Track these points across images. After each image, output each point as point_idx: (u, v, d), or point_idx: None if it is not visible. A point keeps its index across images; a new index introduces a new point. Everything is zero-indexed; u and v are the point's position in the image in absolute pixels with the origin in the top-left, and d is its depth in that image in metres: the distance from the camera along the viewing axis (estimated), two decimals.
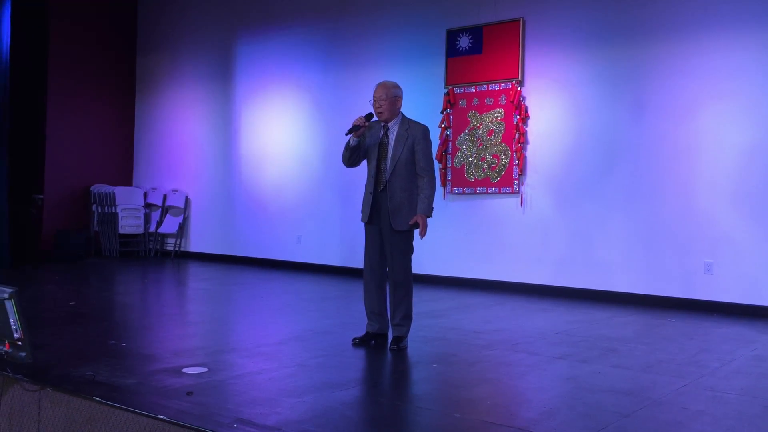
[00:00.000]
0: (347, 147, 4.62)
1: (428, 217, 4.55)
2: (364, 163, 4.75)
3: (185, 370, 3.76)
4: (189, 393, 3.30)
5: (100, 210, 10.58)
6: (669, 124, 6.83)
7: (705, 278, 6.57)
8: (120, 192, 10.69)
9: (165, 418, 2.86)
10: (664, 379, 3.94)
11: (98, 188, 10.72)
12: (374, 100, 4.59)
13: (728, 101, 6.54)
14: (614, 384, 3.79)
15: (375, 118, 4.64)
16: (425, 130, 4.63)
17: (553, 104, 7.54)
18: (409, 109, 4.98)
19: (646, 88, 6.98)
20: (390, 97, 4.56)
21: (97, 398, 3.10)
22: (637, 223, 6.98)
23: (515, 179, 7.67)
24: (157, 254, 10.87)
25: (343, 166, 4.82)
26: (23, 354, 3.34)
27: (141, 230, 10.78)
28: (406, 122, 4.63)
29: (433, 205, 4.60)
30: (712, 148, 6.59)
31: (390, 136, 4.60)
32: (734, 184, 6.48)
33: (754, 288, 6.36)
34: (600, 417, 3.18)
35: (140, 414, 2.92)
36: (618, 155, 7.12)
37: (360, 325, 4.86)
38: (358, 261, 5.43)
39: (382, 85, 4.61)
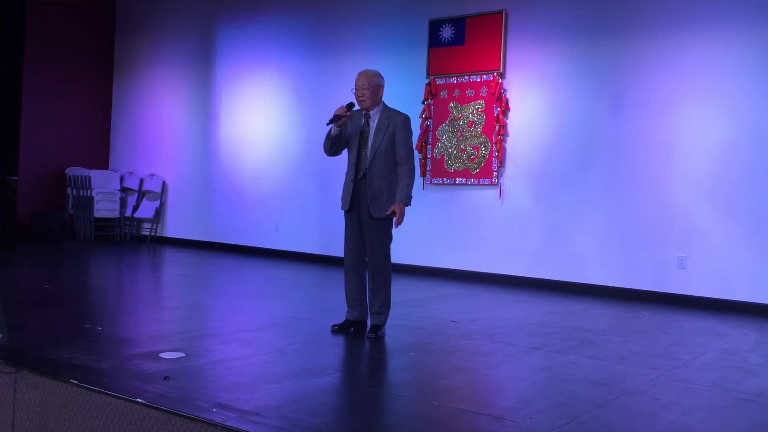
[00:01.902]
0: (328, 136, 4.63)
1: (407, 206, 4.56)
2: (345, 151, 4.75)
3: (162, 355, 3.75)
4: (166, 378, 3.29)
5: (75, 193, 10.45)
6: (647, 120, 6.91)
7: (678, 272, 6.68)
8: (96, 175, 10.56)
9: (143, 401, 2.86)
10: (638, 370, 4.01)
11: (74, 171, 10.59)
12: (356, 89, 4.60)
13: (706, 98, 6.63)
14: (588, 374, 3.85)
15: (356, 108, 4.65)
16: (406, 119, 4.64)
17: (534, 97, 7.59)
18: (391, 98, 4.98)
19: (626, 83, 7.05)
20: (372, 85, 4.57)
21: (74, 381, 3.08)
22: (613, 216, 7.06)
23: (494, 171, 7.72)
24: (133, 239, 10.78)
25: (324, 154, 4.82)
26: None
27: (117, 214, 10.68)
28: (387, 111, 4.64)
29: (412, 194, 4.61)
30: (688, 144, 6.68)
31: (371, 124, 4.61)
32: (710, 180, 6.58)
33: (726, 283, 6.48)
34: (574, 406, 3.23)
35: (118, 397, 2.91)
36: (596, 149, 7.19)
37: (338, 313, 4.87)
38: (336, 249, 5.45)
39: (365, 74, 4.61)
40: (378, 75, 4.64)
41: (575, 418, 3.05)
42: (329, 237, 8.71)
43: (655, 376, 3.87)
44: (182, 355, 3.79)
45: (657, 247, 6.83)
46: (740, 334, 5.31)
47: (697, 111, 6.66)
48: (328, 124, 4.59)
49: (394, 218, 4.55)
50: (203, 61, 10.36)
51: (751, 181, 6.33)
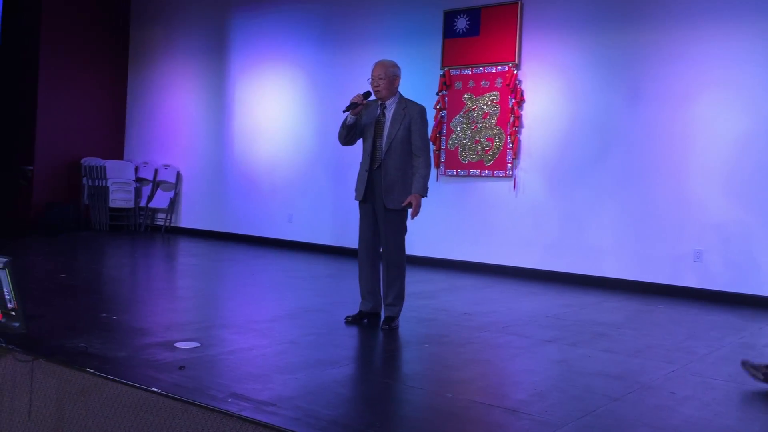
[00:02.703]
0: (344, 125, 4.62)
1: (423, 197, 4.55)
2: (360, 141, 4.74)
3: (177, 345, 3.77)
4: (181, 367, 3.30)
5: (90, 183, 10.51)
6: (663, 112, 6.84)
7: (695, 266, 6.62)
8: (111, 165, 10.61)
9: (159, 390, 2.87)
10: (653, 364, 3.98)
11: (89, 161, 10.64)
12: (372, 79, 4.58)
13: (723, 90, 6.55)
14: (604, 368, 3.82)
15: (372, 97, 4.63)
16: (422, 110, 4.62)
17: (549, 88, 7.53)
18: (405, 89, 4.96)
19: (642, 74, 6.98)
20: (389, 75, 4.55)
21: (91, 370, 3.10)
22: (629, 209, 7.01)
23: (509, 162, 7.68)
24: (147, 229, 10.83)
25: (337, 144, 4.82)
26: (17, 324, 3.33)
27: (131, 204, 10.73)
28: (403, 101, 4.62)
29: (428, 186, 4.60)
30: (705, 137, 6.62)
31: (387, 115, 4.59)
32: (726, 173, 6.52)
33: (742, 276, 6.42)
34: (590, 400, 3.21)
35: (134, 386, 2.92)
36: (611, 141, 7.14)
37: (351, 304, 4.87)
38: (349, 240, 5.44)
39: (381, 64, 4.60)
40: (395, 65, 4.62)
41: (590, 411, 3.04)
42: (343, 228, 8.71)
43: (672, 370, 3.84)
44: (197, 344, 3.80)
45: (673, 240, 6.77)
46: (757, 328, 5.27)
47: (714, 103, 6.59)
48: (344, 112, 4.58)
49: (410, 210, 4.54)
50: (217, 52, 10.36)
51: None
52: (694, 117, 6.69)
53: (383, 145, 4.54)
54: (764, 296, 6.25)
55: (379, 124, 4.59)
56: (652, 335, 4.80)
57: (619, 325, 5.08)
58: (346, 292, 5.69)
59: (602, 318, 5.35)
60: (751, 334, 5.03)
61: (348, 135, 4.65)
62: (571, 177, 7.37)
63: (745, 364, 3.61)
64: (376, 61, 4.68)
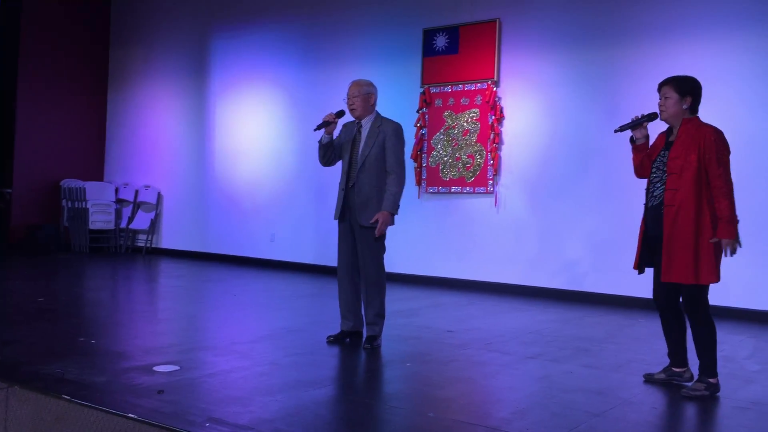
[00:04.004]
0: (320, 144, 4.64)
1: (394, 215, 4.54)
2: (340, 161, 4.75)
3: (156, 368, 3.72)
4: (160, 391, 3.26)
5: (70, 205, 10.43)
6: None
7: None
8: (91, 187, 10.54)
9: (136, 417, 2.83)
10: (634, 378, 3.99)
11: (68, 183, 10.56)
12: (348, 98, 4.61)
13: (700, 105, 6.62)
14: (585, 383, 3.83)
15: (347, 115, 4.66)
16: (397, 128, 4.63)
17: (528, 105, 7.59)
18: (385, 107, 4.98)
19: (619, 90, 7.05)
20: (363, 94, 4.58)
21: (66, 396, 3.05)
22: (609, 224, 7.05)
23: (489, 179, 7.71)
24: (128, 250, 10.74)
25: (318, 164, 4.82)
26: None
27: (112, 226, 10.65)
28: (379, 119, 4.64)
29: (404, 204, 4.60)
30: None
31: (362, 133, 4.61)
32: None
33: (722, 289, 6.42)
34: (571, 416, 3.21)
35: (110, 413, 2.88)
36: (591, 157, 7.19)
37: (333, 324, 4.85)
38: (332, 259, 5.42)
39: (356, 83, 4.63)
40: (369, 84, 4.65)
41: (572, 428, 3.03)
42: (325, 247, 8.69)
43: (653, 385, 3.85)
44: (176, 368, 3.76)
45: None
46: (737, 341, 5.30)
47: None
48: (315, 130, 4.61)
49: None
50: (198, 72, 10.36)
51: (745, 187, 6.31)
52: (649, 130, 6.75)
53: (357, 163, 4.56)
54: (744, 308, 6.29)
55: (354, 142, 4.61)
56: (633, 350, 4.82)
57: (600, 340, 5.10)
58: (328, 311, 5.66)
59: (584, 333, 5.36)
60: (731, 347, 5.05)
61: (325, 155, 4.66)
62: (551, 192, 7.41)
63: (685, 394, 3.64)
64: (356, 79, 4.73)
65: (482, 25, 7.84)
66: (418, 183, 8.13)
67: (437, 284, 7.94)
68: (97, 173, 11.26)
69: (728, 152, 3.73)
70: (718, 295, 6.46)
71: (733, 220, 3.62)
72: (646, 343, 5.08)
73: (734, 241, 3.62)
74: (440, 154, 8.06)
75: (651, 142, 4.09)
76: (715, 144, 3.66)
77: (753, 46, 6.39)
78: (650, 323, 5.97)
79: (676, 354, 3.91)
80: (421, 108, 8.19)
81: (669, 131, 3.94)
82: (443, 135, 8.04)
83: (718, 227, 3.62)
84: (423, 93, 8.18)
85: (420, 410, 3.32)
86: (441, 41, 8.11)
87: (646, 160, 4.02)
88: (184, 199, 10.42)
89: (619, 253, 6.99)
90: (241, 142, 9.84)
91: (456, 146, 7.95)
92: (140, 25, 11.07)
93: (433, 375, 4.03)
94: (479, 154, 7.79)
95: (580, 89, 7.28)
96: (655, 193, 3.87)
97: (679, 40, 6.75)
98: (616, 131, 4.10)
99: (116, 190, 10.90)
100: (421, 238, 8.08)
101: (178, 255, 10.33)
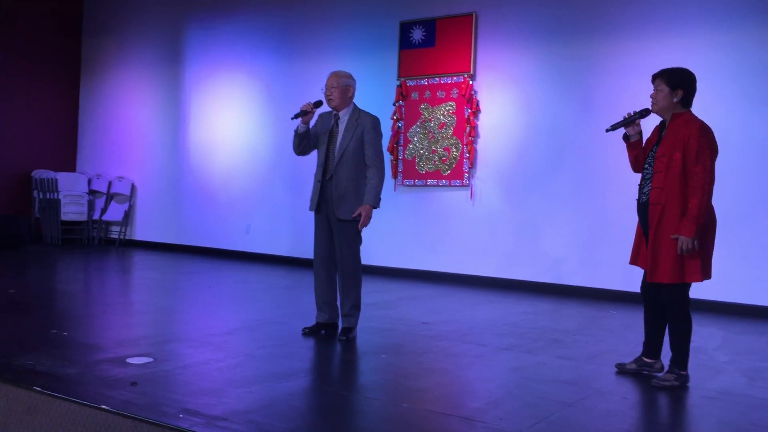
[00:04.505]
0: (296, 133, 4.62)
1: (375, 208, 4.55)
2: (315, 151, 4.74)
3: (129, 360, 3.70)
4: (133, 383, 3.24)
5: (41, 196, 10.28)
6: (614, 121, 6.95)
7: None
8: (63, 178, 10.40)
9: (108, 408, 2.81)
10: (606, 369, 4.04)
11: (40, 174, 10.41)
12: (326, 88, 4.60)
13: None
14: (558, 374, 3.87)
15: (325, 106, 4.65)
16: (375, 121, 4.63)
17: (504, 99, 7.63)
18: (362, 100, 4.98)
19: (594, 85, 7.12)
20: (341, 85, 4.57)
21: (38, 388, 3.02)
22: (583, 217, 7.13)
23: (465, 172, 7.75)
24: (101, 242, 10.63)
25: (294, 155, 4.80)
26: None
27: (84, 217, 10.52)
28: (357, 112, 4.63)
29: (381, 197, 4.61)
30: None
31: (340, 125, 4.60)
32: None
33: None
34: (544, 406, 3.25)
35: (83, 404, 2.86)
36: (565, 150, 7.25)
37: (309, 316, 4.85)
38: (307, 251, 5.41)
39: (335, 74, 4.62)
40: (348, 76, 4.64)
41: (544, 418, 3.07)
42: (300, 239, 8.67)
43: (624, 375, 3.90)
44: (150, 360, 3.74)
45: (625, 247, 6.86)
46: (707, 333, 5.38)
47: None
48: (293, 118, 4.59)
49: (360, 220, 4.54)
50: (172, 63, 10.25)
51: (717, 181, 6.41)
52: (644, 125, 6.82)
53: (335, 155, 4.55)
54: (714, 301, 6.39)
55: (332, 134, 4.60)
56: (605, 341, 4.88)
57: (573, 332, 5.15)
58: (304, 303, 5.66)
59: (558, 325, 5.41)
60: (701, 338, 5.13)
61: (300, 144, 4.64)
62: (526, 186, 7.46)
63: (655, 384, 3.70)
64: (333, 71, 4.71)
65: (459, 19, 7.86)
66: (395, 176, 8.14)
67: (413, 276, 7.96)
68: (69, 164, 11.12)
69: (713, 151, 3.66)
70: (694, 289, 6.56)
71: (698, 220, 3.57)
72: (619, 335, 5.15)
73: (691, 240, 3.58)
74: (416, 146, 8.07)
75: (645, 137, 4.06)
76: (698, 141, 3.61)
77: (726, 41, 6.48)
78: (622, 315, 6.06)
79: (651, 344, 3.95)
80: (397, 101, 8.19)
81: (662, 125, 3.89)
82: (419, 128, 8.06)
83: (682, 223, 3.60)
84: (399, 86, 8.18)
85: (395, 401, 3.33)
86: (418, 34, 8.11)
87: (640, 155, 3.97)
88: (159, 190, 10.32)
89: (592, 246, 7.08)
90: (217, 133, 9.77)
91: (432, 139, 7.97)
92: (114, 14, 10.92)
93: (407, 366, 4.04)
94: (455, 147, 7.82)
95: (555, 83, 7.34)
96: (644, 190, 3.86)
97: (654, 36, 6.83)
98: (607, 130, 4.07)
99: (89, 181, 10.77)
100: (397, 230, 8.10)
101: (152, 247, 10.25)
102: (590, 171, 7.10)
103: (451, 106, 7.86)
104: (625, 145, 4.14)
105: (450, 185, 7.86)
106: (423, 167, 8.02)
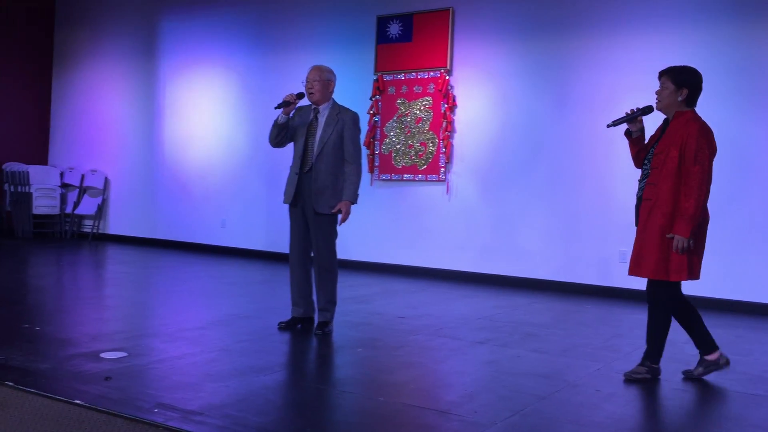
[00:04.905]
0: (275, 124, 4.59)
1: (353, 204, 4.56)
2: (291, 145, 4.73)
3: (103, 355, 3.67)
4: (107, 378, 3.22)
5: (12, 189, 10.12)
6: (589, 117, 7.05)
7: (620, 266, 6.83)
8: (34, 171, 10.26)
9: (81, 403, 2.79)
10: (580, 362, 4.09)
11: (11, 166, 10.25)
12: (307, 82, 4.59)
13: (645, 95, 6.75)
14: (533, 368, 3.91)
15: (306, 100, 4.64)
16: (355, 117, 4.64)
17: (480, 94, 7.66)
18: (339, 94, 4.97)
19: (569, 80, 7.18)
20: (323, 79, 4.56)
21: (10, 383, 2.98)
22: (558, 212, 7.19)
23: (442, 167, 7.77)
24: (74, 236, 10.51)
25: (271, 148, 4.80)
26: None
27: (57, 211, 10.38)
28: (337, 107, 4.63)
29: (359, 192, 4.61)
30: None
31: (320, 119, 4.59)
32: None
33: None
34: (518, 399, 3.28)
35: (55, 399, 2.83)
36: (541, 146, 7.31)
37: (284, 310, 4.84)
38: (283, 245, 5.40)
39: (317, 68, 4.61)
40: (330, 71, 4.64)
41: (519, 411, 3.10)
42: (276, 233, 8.64)
43: (597, 368, 3.95)
44: (124, 354, 3.71)
45: (599, 241, 6.98)
46: (677, 326, 5.43)
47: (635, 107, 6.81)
48: (276, 108, 4.57)
49: (339, 215, 4.55)
50: (147, 55, 10.15)
51: None
52: (650, 123, 6.89)
53: (315, 148, 4.54)
54: (685, 295, 6.48)
55: (311, 127, 4.59)
56: (579, 335, 4.94)
57: (548, 326, 5.21)
58: (280, 297, 5.65)
59: (532, 319, 5.46)
60: (672, 332, 5.20)
61: (278, 135, 4.62)
62: (502, 181, 7.51)
63: (627, 376, 3.72)
64: (309, 65, 4.72)
65: (436, 14, 7.87)
66: (371, 170, 8.15)
67: (389, 271, 7.98)
68: (41, 157, 10.96)
69: (711, 151, 3.64)
70: None
71: (694, 220, 3.55)
72: (592, 329, 5.21)
73: (687, 240, 3.56)
74: (393, 141, 8.08)
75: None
76: (697, 141, 3.58)
77: (699, 39, 6.57)
78: (596, 309, 6.13)
79: (703, 342, 3.85)
80: (374, 95, 8.19)
81: (665, 123, 3.86)
82: (396, 122, 8.07)
83: (677, 222, 3.58)
84: (376, 80, 8.18)
85: (370, 395, 3.34)
86: (395, 29, 8.11)
87: (642, 151, 3.94)
88: (133, 184, 10.22)
89: (566, 240, 7.15)
90: (192, 126, 9.69)
91: (409, 134, 7.98)
92: (87, 6, 10.77)
93: (383, 360, 4.06)
94: (432, 142, 7.84)
95: (531, 79, 7.38)
96: (640, 186, 3.84)
97: (629, 32, 6.90)
98: (609, 126, 4.02)
99: (61, 175, 10.63)
100: (373, 225, 8.11)
101: (126, 241, 10.15)
102: (565, 166, 7.16)
103: (428, 101, 7.88)
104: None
105: (426, 180, 7.88)
106: (399, 162, 8.03)
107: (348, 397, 3.32)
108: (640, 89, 6.79)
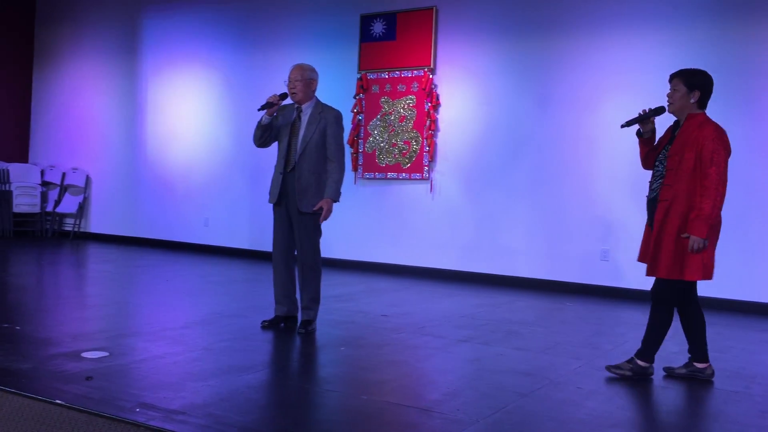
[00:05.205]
0: (259, 125, 4.59)
1: (335, 202, 4.56)
2: (275, 144, 4.72)
3: (84, 355, 3.64)
4: (88, 378, 3.20)
5: None
6: (571, 116, 7.10)
7: (601, 264, 6.89)
8: (15, 169, 10.16)
9: (62, 403, 2.77)
10: (561, 360, 4.12)
11: None
12: (289, 81, 4.58)
13: (625, 94, 6.85)
14: (515, 365, 3.93)
15: (289, 100, 4.63)
16: (338, 116, 4.63)
17: (464, 93, 7.69)
18: (322, 93, 4.97)
19: (552, 80, 7.22)
20: (305, 79, 4.55)
21: None
22: (540, 210, 7.23)
23: (425, 166, 7.79)
24: (55, 235, 10.42)
25: (254, 147, 4.77)
26: None
27: (37, 209, 10.29)
28: (319, 106, 4.63)
29: (342, 190, 4.61)
30: (610, 140, 6.89)
31: (303, 118, 4.59)
32: (630, 174, 6.80)
33: (644, 273, 6.71)
34: (500, 397, 3.30)
35: (36, 399, 2.81)
36: (523, 144, 7.35)
37: (268, 309, 4.83)
38: (267, 244, 5.40)
39: (299, 67, 4.60)
40: (312, 69, 4.63)
41: (501, 408, 3.12)
42: (260, 232, 8.62)
43: (578, 366, 3.98)
44: (106, 354, 3.69)
45: (581, 239, 7.03)
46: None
47: (618, 107, 6.86)
48: (259, 110, 4.56)
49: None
50: (129, 52, 10.07)
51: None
52: (599, 121, 6.97)
53: (298, 148, 4.54)
54: None
55: (294, 126, 4.59)
56: (561, 332, 4.97)
57: (530, 324, 5.24)
58: (263, 296, 5.64)
59: (515, 317, 5.49)
60: None
61: (263, 136, 4.62)
62: (485, 179, 7.54)
63: (609, 368, 3.77)
64: (293, 64, 4.70)
65: (419, 12, 7.88)
66: (355, 169, 8.15)
67: (373, 269, 7.99)
68: (21, 155, 10.85)
69: (727, 153, 3.65)
70: (641, 280, 6.72)
71: (710, 220, 3.56)
72: (573, 326, 5.25)
73: (703, 240, 3.57)
74: (377, 140, 8.09)
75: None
76: (713, 143, 3.60)
77: (674, 40, 6.63)
78: (578, 307, 6.17)
79: (700, 351, 3.84)
80: (358, 94, 8.19)
81: (675, 125, 3.87)
82: (380, 121, 8.07)
83: (693, 223, 3.58)
84: (360, 79, 8.18)
85: (354, 393, 3.35)
86: (378, 27, 8.11)
87: (652, 152, 3.93)
88: (114, 182, 10.15)
89: (548, 238, 7.19)
90: (175, 124, 9.64)
91: (392, 132, 7.99)
92: (68, 2, 10.67)
93: (367, 359, 4.07)
94: (415, 141, 7.85)
95: (514, 78, 7.42)
96: (653, 186, 3.84)
97: (606, 34, 6.95)
98: (622, 126, 3.99)
99: (42, 173, 10.53)
100: (357, 223, 8.11)
101: (108, 240, 10.08)
102: (548, 165, 7.21)
103: (412, 99, 7.89)
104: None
105: (410, 179, 7.90)
106: (383, 160, 8.04)
107: (331, 395, 3.32)
108: (622, 89, 6.87)
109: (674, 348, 4.61)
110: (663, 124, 4.04)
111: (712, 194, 3.56)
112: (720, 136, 3.66)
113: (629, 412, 3.18)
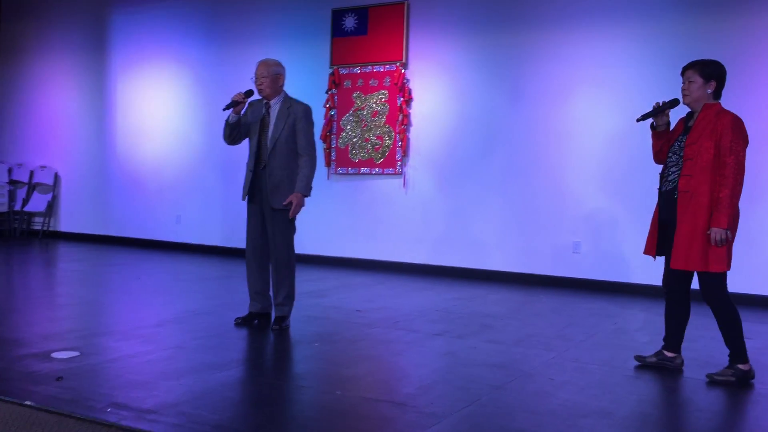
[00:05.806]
0: (227, 123, 4.56)
1: (306, 197, 4.54)
2: (247, 140, 4.69)
3: (54, 355, 3.60)
4: (59, 378, 3.16)
5: None
6: (543, 110, 7.15)
7: (573, 257, 6.97)
8: None
9: (32, 404, 2.73)
10: (534, 352, 4.16)
11: None
12: (255, 77, 4.55)
13: (597, 89, 6.92)
14: (488, 358, 3.96)
15: (256, 96, 4.60)
16: (307, 109, 4.61)
17: (436, 87, 7.70)
18: (294, 88, 4.95)
19: (523, 74, 7.26)
20: (271, 74, 4.53)
21: None
22: (512, 204, 7.28)
23: (398, 160, 7.80)
24: (23, 234, 10.25)
25: (225, 143, 4.74)
26: None
27: (5, 209, 10.11)
28: (288, 101, 4.61)
29: (314, 185, 4.60)
30: (581, 134, 6.97)
31: (271, 114, 4.56)
32: (601, 167, 6.89)
33: (616, 266, 6.81)
34: (474, 389, 3.32)
35: (5, 401, 2.77)
36: (495, 138, 7.39)
37: (242, 306, 4.81)
38: (240, 241, 5.37)
39: (264, 63, 4.57)
40: (278, 64, 4.60)
41: (474, 401, 3.14)
42: (232, 228, 8.57)
43: (551, 357, 4.02)
44: (76, 354, 3.65)
45: (553, 232, 7.09)
46: (630, 314, 5.60)
47: (588, 102, 6.95)
48: (224, 110, 4.53)
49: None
50: (97, 48, 9.93)
51: (640, 168, 6.66)
52: (570, 115, 7.03)
53: (268, 145, 4.51)
54: (636, 283, 6.65)
55: (264, 123, 4.56)
56: (533, 325, 5.02)
57: (503, 316, 5.28)
58: (236, 293, 5.61)
59: (488, 310, 5.53)
60: (624, 320, 5.34)
61: (231, 134, 4.59)
62: (457, 174, 7.57)
63: (711, 376, 3.70)
64: (264, 58, 4.66)
65: (391, 7, 7.88)
66: (328, 164, 8.13)
67: (346, 265, 7.98)
68: None
69: (745, 142, 3.64)
70: (612, 272, 6.80)
71: (730, 209, 3.55)
72: (546, 318, 5.30)
73: (724, 231, 3.55)
74: (349, 135, 8.07)
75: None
76: (732, 132, 3.58)
77: (644, 34, 6.70)
78: (550, 299, 6.23)
79: (671, 338, 3.89)
80: (330, 89, 8.16)
81: (689, 116, 3.85)
82: (352, 116, 8.06)
83: (714, 214, 3.57)
84: (332, 74, 8.15)
85: (328, 389, 3.35)
86: (350, 22, 8.09)
87: (665, 146, 3.91)
88: (84, 179, 10.01)
89: (521, 231, 7.24)
90: (145, 120, 9.53)
91: (365, 127, 7.98)
92: None
93: (341, 354, 4.07)
94: (388, 136, 7.86)
95: (484, 72, 7.45)
96: (669, 178, 3.80)
97: (577, 28, 7.01)
98: (638, 120, 3.94)
99: (9, 171, 10.35)
100: (330, 219, 8.10)
101: (78, 238, 9.94)
102: (520, 158, 7.25)
103: (384, 94, 7.89)
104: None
105: (383, 173, 7.90)
106: (356, 155, 8.03)
107: (305, 391, 3.32)
108: (592, 83, 6.94)
109: (644, 338, 4.69)
110: (671, 121, 4.03)
111: (731, 183, 3.55)
112: (738, 125, 3.65)
113: (602, 402, 3.22)
